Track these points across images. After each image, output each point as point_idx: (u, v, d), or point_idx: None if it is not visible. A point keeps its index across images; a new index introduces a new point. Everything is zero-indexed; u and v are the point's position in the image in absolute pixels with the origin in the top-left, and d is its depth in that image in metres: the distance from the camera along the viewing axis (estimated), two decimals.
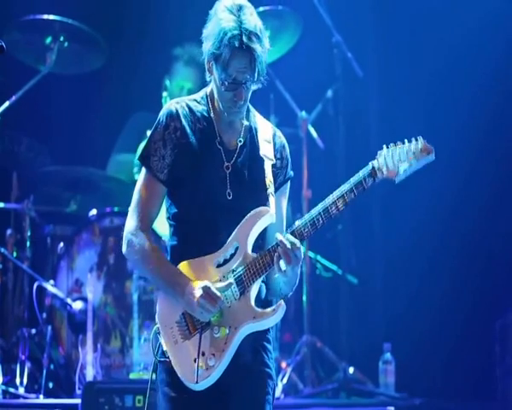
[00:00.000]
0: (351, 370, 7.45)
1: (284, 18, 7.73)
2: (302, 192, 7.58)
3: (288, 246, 3.76)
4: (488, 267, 7.95)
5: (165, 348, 3.88)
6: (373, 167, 3.78)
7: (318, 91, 7.93)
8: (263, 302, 3.91)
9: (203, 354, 3.79)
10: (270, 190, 3.91)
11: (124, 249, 3.94)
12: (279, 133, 4.07)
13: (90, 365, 6.63)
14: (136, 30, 8.31)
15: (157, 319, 3.92)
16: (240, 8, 3.82)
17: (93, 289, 6.84)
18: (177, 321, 3.86)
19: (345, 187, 3.79)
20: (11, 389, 6.55)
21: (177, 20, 8.08)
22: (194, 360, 3.79)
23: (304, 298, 7.55)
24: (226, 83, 3.82)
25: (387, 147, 3.78)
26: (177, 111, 3.92)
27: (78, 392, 6.43)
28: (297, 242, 3.77)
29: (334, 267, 8.09)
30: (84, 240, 7.09)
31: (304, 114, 7.77)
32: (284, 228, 3.98)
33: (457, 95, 8.00)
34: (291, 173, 4.06)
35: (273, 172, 3.97)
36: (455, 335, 7.97)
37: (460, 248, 8.04)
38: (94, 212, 7.14)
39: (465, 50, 8.01)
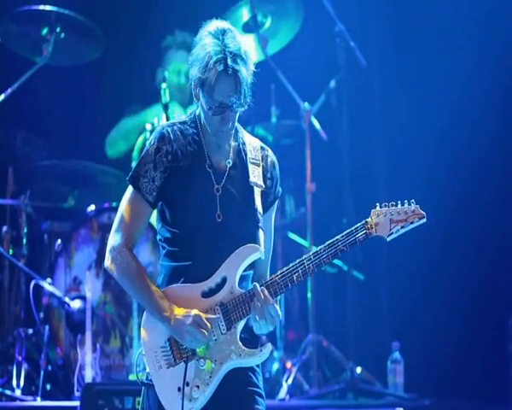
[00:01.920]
0: (358, 370, 7.40)
1: (285, 7, 7.74)
2: (306, 186, 7.56)
3: (262, 297, 3.82)
4: (500, 263, 7.91)
5: (147, 371, 3.93)
6: (367, 225, 3.91)
7: (321, 82, 7.91)
8: (250, 330, 3.96)
9: (187, 385, 3.85)
10: (260, 223, 3.98)
11: (107, 263, 3.98)
12: (269, 152, 4.13)
13: (88, 366, 6.60)
14: (133, 20, 8.34)
15: (141, 341, 3.96)
16: (224, 32, 3.92)
17: (92, 288, 6.82)
18: (161, 346, 3.90)
19: (338, 242, 3.88)
20: (7, 392, 6.53)
21: (175, 11, 8.15)
22: (178, 389, 3.84)
23: (309, 295, 7.51)
24: (213, 107, 3.90)
25: (381, 206, 3.91)
26: (169, 134, 3.99)
27: (77, 394, 6.42)
28: (270, 299, 3.82)
29: (339, 263, 8.03)
30: (83, 236, 7.08)
31: (306, 105, 7.72)
32: (272, 241, 4.08)
33: (464, 90, 7.98)
34: (280, 190, 4.14)
35: (264, 193, 4.05)
36: (466, 333, 7.94)
37: (470, 244, 8.01)
38: (92, 207, 7.16)
39: (470, 38, 7.98)
